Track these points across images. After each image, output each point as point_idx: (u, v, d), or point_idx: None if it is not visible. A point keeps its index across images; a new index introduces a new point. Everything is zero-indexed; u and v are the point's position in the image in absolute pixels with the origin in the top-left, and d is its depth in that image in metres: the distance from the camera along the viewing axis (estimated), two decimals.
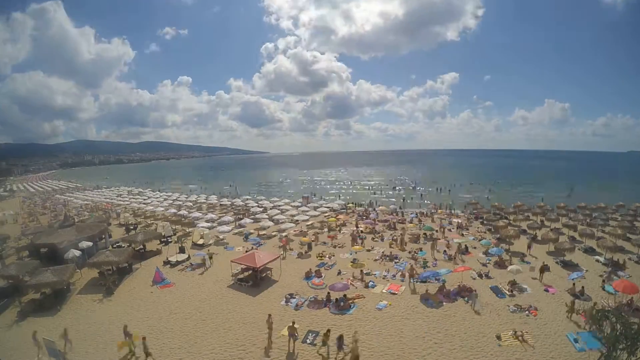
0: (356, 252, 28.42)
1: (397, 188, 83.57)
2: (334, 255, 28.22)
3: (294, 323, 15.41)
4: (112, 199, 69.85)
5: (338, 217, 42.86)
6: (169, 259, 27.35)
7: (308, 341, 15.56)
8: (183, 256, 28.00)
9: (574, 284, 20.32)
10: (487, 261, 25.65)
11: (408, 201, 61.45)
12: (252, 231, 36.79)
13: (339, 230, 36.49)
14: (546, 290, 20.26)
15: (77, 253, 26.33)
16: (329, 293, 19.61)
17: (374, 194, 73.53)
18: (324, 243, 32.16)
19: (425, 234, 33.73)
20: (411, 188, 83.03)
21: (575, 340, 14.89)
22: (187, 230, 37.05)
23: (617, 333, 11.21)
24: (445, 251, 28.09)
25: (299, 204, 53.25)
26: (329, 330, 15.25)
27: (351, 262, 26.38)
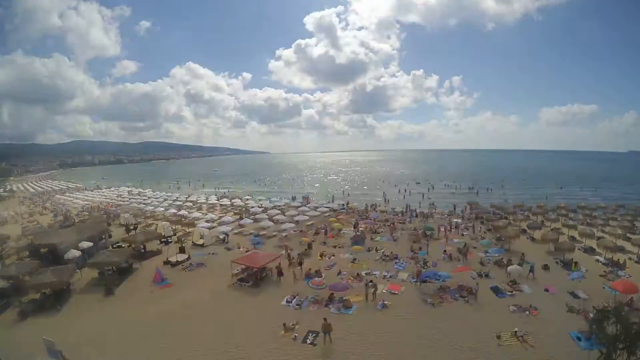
0: (356, 252, 28.41)
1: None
2: (334, 255, 28.22)
3: (291, 323, 15.43)
4: (112, 199, 69.84)
5: (338, 217, 42.83)
6: (169, 259, 27.35)
7: (308, 341, 15.56)
8: (183, 256, 28.00)
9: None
10: (487, 261, 25.68)
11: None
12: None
13: (339, 231, 36.41)
14: (546, 290, 20.29)
15: (77, 253, 26.33)
16: (331, 293, 19.62)
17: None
18: (324, 243, 32.18)
19: (425, 233, 33.75)
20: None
21: (579, 339, 14.89)
22: (187, 230, 37.08)
23: (617, 333, 11.20)
24: (445, 251, 28.09)
25: (299, 204, 53.23)
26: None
27: (351, 262, 26.38)
